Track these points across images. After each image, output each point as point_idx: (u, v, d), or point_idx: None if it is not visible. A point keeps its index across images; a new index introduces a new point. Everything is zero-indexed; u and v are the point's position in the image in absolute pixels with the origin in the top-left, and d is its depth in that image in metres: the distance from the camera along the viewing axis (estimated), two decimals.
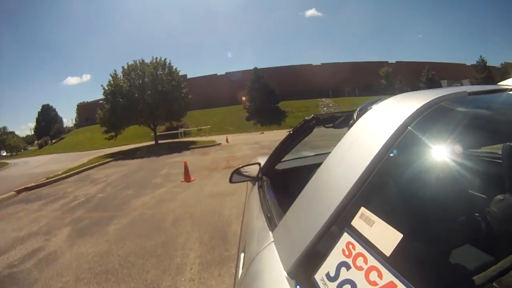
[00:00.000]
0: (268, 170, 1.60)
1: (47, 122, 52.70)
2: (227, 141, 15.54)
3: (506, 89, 0.72)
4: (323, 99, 32.14)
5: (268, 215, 0.99)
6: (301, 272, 0.57)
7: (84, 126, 38.21)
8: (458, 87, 0.66)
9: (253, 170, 1.72)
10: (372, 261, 0.44)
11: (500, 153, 0.58)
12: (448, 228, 0.54)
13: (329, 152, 0.69)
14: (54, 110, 57.28)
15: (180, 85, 19.28)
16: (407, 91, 0.81)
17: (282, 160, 1.70)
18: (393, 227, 0.44)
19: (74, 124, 48.67)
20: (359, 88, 37.04)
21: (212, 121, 28.22)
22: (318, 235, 0.56)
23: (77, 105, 48.86)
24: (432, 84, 31.18)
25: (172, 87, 18.52)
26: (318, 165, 0.71)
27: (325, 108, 30.46)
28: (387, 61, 40.81)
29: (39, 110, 56.18)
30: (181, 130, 21.83)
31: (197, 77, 41.02)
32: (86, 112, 41.73)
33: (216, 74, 42.42)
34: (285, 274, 0.60)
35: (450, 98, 0.58)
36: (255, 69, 31.41)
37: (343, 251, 0.49)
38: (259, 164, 1.72)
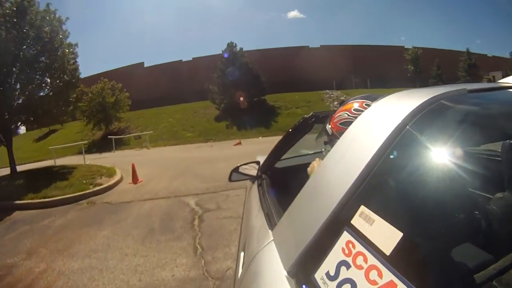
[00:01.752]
0: (267, 168, 1.59)
1: None
2: (134, 179, 6.23)
3: (506, 87, 0.72)
4: (327, 91, 22.69)
5: (268, 213, 0.99)
6: (301, 271, 0.57)
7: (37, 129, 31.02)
8: (457, 85, 0.66)
9: (252, 169, 1.71)
10: (372, 260, 0.44)
11: (500, 151, 0.58)
12: (447, 227, 0.54)
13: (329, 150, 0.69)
14: None
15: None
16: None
17: (282, 158, 1.70)
18: (393, 225, 0.44)
19: None
20: (371, 78, 27.96)
21: (167, 122, 20.28)
22: (318, 234, 0.55)
23: None
24: (475, 72, 25.23)
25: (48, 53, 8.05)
26: None
27: (335, 102, 19.54)
28: (403, 46, 31.28)
29: None
30: (115, 137, 17.22)
31: (155, 65, 33.24)
32: None
33: (181, 61, 33.05)
34: (285, 273, 0.60)
35: (449, 96, 0.58)
36: (231, 45, 20.98)
37: (343, 250, 0.49)
38: (258, 162, 1.72)
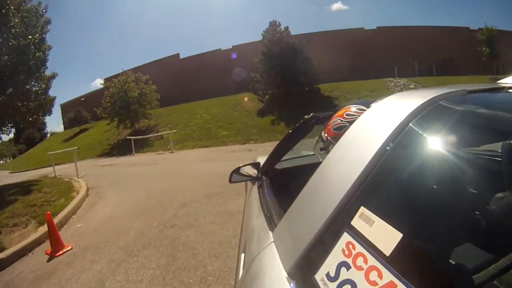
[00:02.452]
0: (267, 169, 1.60)
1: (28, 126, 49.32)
2: (54, 244, 3.02)
3: (505, 87, 0.72)
4: (390, 78, 18.38)
5: (268, 215, 0.99)
6: (301, 272, 0.57)
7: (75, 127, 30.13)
8: (457, 86, 0.66)
9: (253, 170, 1.72)
10: (372, 260, 0.44)
11: (500, 151, 0.58)
12: (448, 227, 0.54)
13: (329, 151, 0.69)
14: None
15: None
16: None
17: (282, 159, 1.70)
18: (393, 226, 0.44)
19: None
20: (436, 64, 22.97)
21: (200, 118, 17.35)
22: (318, 235, 0.55)
23: (61, 105, 41.05)
24: None
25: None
26: (318, 164, 0.71)
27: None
28: (468, 27, 26.33)
29: None
30: (134, 137, 14.83)
31: (192, 56, 30.00)
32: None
33: (219, 50, 29.19)
34: (285, 274, 0.59)
35: (449, 96, 0.58)
36: (274, 24, 16.57)
37: (343, 251, 0.49)
38: (258, 163, 1.72)
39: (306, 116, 1.31)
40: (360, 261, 0.46)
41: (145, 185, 5.92)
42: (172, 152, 12.67)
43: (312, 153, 2.02)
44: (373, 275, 0.43)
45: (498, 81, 0.88)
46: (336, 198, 0.54)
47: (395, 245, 0.42)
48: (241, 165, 1.74)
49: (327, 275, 0.50)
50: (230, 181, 1.68)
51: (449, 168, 0.56)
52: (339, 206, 0.53)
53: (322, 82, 16.85)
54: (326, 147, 1.08)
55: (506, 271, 0.43)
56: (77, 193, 5.65)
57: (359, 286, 0.44)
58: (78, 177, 8.00)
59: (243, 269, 0.90)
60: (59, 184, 7.02)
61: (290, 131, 1.44)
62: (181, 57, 31.19)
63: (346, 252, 0.49)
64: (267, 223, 0.95)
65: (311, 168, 0.78)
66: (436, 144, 0.54)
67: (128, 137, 15.80)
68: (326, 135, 1.08)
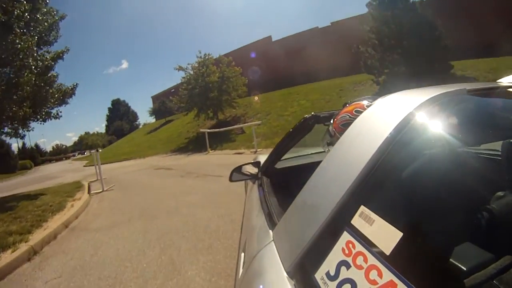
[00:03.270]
0: (268, 168, 1.60)
1: (119, 118, 50.17)
2: None
3: (505, 87, 0.72)
4: None
5: (268, 214, 0.99)
6: (301, 271, 0.57)
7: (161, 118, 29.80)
8: (457, 85, 0.66)
9: (253, 169, 1.72)
10: (372, 260, 0.44)
11: (500, 150, 0.58)
12: (448, 226, 0.54)
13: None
14: (126, 104, 54.97)
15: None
16: None
17: (282, 158, 1.70)
18: (393, 225, 0.44)
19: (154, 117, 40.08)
20: None
21: (297, 106, 14.31)
22: (318, 234, 0.55)
23: (152, 97, 41.08)
24: None
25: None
26: (318, 163, 0.71)
27: None
28: None
29: (110, 106, 54.47)
30: (208, 131, 12.76)
31: (286, 37, 24.95)
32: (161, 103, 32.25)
33: (316, 28, 23.65)
34: (285, 273, 0.60)
35: (449, 95, 0.58)
36: None
37: (343, 250, 0.49)
38: (259, 162, 1.72)
39: (306, 116, 1.31)
40: (360, 260, 0.46)
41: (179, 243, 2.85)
42: (256, 152, 9.26)
43: (312, 152, 2.02)
44: (373, 274, 0.43)
45: (498, 80, 0.88)
46: (336, 197, 0.54)
47: (395, 244, 0.42)
48: (241, 164, 1.74)
49: (327, 274, 0.50)
50: (230, 180, 1.69)
51: (449, 167, 0.56)
52: (339, 205, 0.53)
53: (455, 59, 11.33)
54: (333, 142, 1.08)
55: (505, 271, 0.43)
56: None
57: (359, 285, 0.44)
58: (91, 192, 6.42)
59: (243, 268, 0.90)
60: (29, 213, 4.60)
61: (290, 130, 1.44)
62: (273, 39, 26.04)
63: (346, 251, 0.49)
64: (267, 222, 0.95)
65: (311, 167, 0.78)
66: (436, 143, 0.54)
67: (202, 130, 13.28)
68: (333, 129, 1.07)
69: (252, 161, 1.82)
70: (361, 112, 0.91)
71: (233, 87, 15.47)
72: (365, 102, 1.00)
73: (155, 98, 38.54)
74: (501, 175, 0.58)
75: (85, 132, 60.90)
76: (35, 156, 44.11)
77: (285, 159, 1.87)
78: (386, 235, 0.44)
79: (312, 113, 1.30)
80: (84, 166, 19.42)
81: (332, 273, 0.49)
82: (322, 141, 1.22)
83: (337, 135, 1.03)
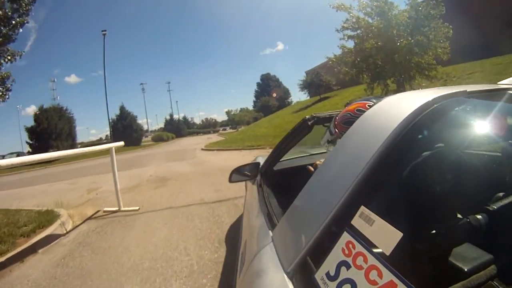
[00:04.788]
0: (267, 169, 1.60)
1: (268, 93, 48.47)
2: None
3: (505, 89, 0.72)
4: None
5: (268, 214, 0.99)
6: (301, 271, 0.57)
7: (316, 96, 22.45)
8: (458, 87, 0.66)
9: (253, 169, 1.72)
10: (372, 260, 0.44)
11: (500, 151, 0.58)
12: (447, 227, 0.54)
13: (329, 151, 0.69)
14: (277, 79, 52.72)
15: None
16: None
17: (282, 159, 1.70)
18: (393, 226, 0.44)
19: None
20: None
21: (487, 72, 9.18)
22: (318, 234, 0.55)
23: (306, 72, 30.15)
24: None
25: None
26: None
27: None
28: None
29: (258, 81, 52.41)
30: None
31: None
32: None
33: None
34: (285, 273, 0.59)
35: (450, 97, 0.58)
36: None
37: (343, 250, 0.49)
38: (258, 163, 1.72)
39: (306, 117, 1.31)
40: (360, 260, 0.46)
41: None
42: None
43: (312, 152, 2.02)
44: (373, 275, 0.43)
45: (498, 82, 0.88)
46: (336, 197, 0.54)
47: (395, 244, 0.42)
48: (241, 164, 1.74)
49: (327, 274, 0.50)
50: (230, 180, 1.69)
51: (449, 168, 0.56)
52: (339, 205, 0.53)
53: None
54: (334, 141, 1.10)
55: (505, 271, 0.43)
56: None
57: (359, 286, 0.44)
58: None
59: (242, 268, 0.90)
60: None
61: (290, 131, 1.44)
62: None
63: (346, 252, 0.49)
64: (266, 222, 0.95)
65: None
66: (436, 144, 0.54)
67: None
68: (335, 127, 1.08)
69: (252, 162, 1.82)
70: (362, 111, 0.90)
71: (433, 46, 7.80)
72: (367, 102, 1.01)
73: (309, 73, 28.19)
74: (501, 176, 0.58)
75: (240, 109, 58.62)
76: (181, 128, 46.46)
77: (285, 160, 1.87)
78: (386, 236, 0.44)
79: (312, 114, 1.30)
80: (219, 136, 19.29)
81: (332, 273, 0.49)
82: (322, 139, 1.22)
83: (338, 133, 1.04)
